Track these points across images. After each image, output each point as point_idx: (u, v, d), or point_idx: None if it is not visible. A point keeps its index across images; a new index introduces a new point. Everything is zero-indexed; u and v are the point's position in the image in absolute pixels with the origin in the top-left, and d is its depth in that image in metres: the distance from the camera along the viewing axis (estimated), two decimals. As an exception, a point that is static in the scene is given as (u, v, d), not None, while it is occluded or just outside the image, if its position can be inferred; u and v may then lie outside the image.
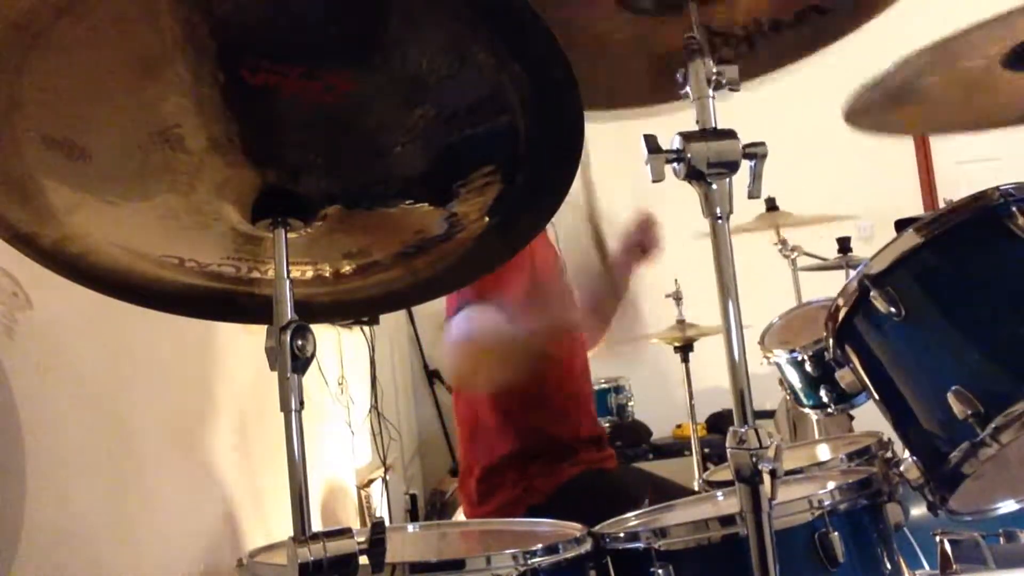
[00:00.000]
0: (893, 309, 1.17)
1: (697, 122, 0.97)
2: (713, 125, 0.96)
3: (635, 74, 1.23)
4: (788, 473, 1.38)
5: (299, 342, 0.84)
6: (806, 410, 2.29)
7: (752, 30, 1.14)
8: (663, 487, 1.93)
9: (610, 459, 1.99)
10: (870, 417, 1.56)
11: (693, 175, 0.94)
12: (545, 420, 1.88)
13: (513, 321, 1.71)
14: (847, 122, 1.42)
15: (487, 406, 1.89)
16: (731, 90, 0.99)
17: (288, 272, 0.87)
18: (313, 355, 0.85)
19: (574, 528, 1.16)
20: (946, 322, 1.20)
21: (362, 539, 0.83)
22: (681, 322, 2.53)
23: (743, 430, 0.90)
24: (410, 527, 1.47)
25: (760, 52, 1.16)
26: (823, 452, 1.83)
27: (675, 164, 0.94)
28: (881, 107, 1.41)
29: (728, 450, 0.91)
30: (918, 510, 1.42)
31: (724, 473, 1.84)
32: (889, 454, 1.48)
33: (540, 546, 1.05)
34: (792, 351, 2.21)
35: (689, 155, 0.93)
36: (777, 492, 0.90)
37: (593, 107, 1.02)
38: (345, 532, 0.82)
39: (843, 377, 1.32)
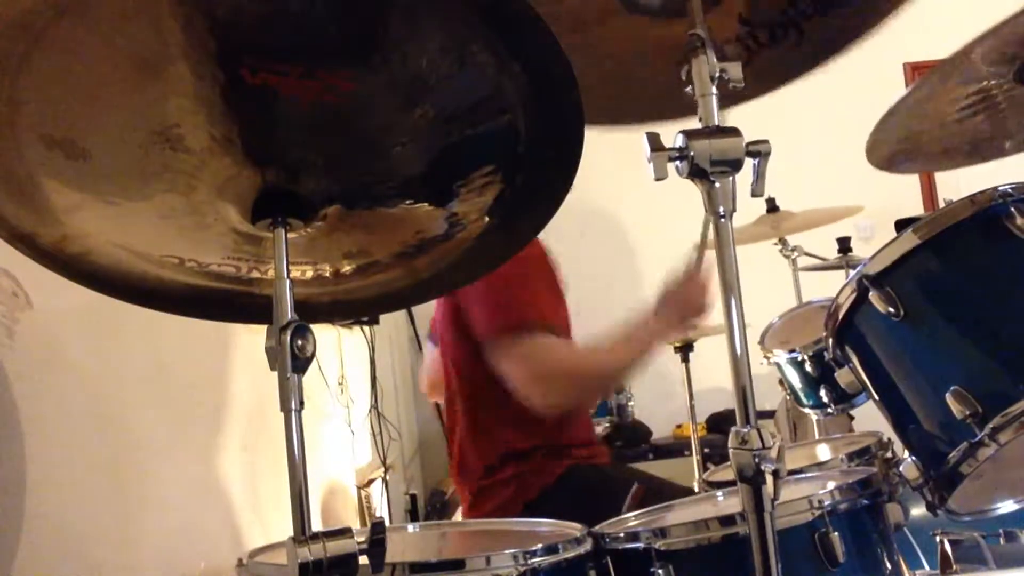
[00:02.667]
0: (892, 309, 1.17)
1: (700, 120, 0.96)
2: (716, 123, 0.95)
3: (639, 85, 1.21)
4: (788, 473, 1.38)
5: (299, 342, 0.84)
6: (806, 410, 2.29)
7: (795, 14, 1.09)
8: (654, 484, 1.94)
9: (602, 455, 2.00)
10: (870, 417, 1.56)
11: (696, 173, 0.92)
12: (540, 423, 1.87)
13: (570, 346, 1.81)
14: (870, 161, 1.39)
15: (482, 411, 1.90)
16: (733, 88, 0.97)
17: (288, 272, 0.87)
18: (313, 355, 0.85)
19: (574, 528, 1.16)
20: (945, 322, 1.20)
21: (362, 539, 0.83)
22: (681, 322, 2.52)
23: (745, 430, 0.88)
24: (410, 527, 1.47)
25: (811, 36, 1.11)
26: (823, 452, 1.83)
27: (678, 162, 0.92)
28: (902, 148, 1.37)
29: (730, 450, 0.89)
30: (918, 510, 1.41)
31: (724, 473, 1.85)
32: (889, 454, 1.49)
33: (540, 546, 1.05)
34: (792, 351, 2.21)
35: (692, 153, 0.91)
36: (780, 493, 0.88)
37: (596, 123, 1.00)
38: (345, 532, 0.82)
39: (843, 377, 1.32)
